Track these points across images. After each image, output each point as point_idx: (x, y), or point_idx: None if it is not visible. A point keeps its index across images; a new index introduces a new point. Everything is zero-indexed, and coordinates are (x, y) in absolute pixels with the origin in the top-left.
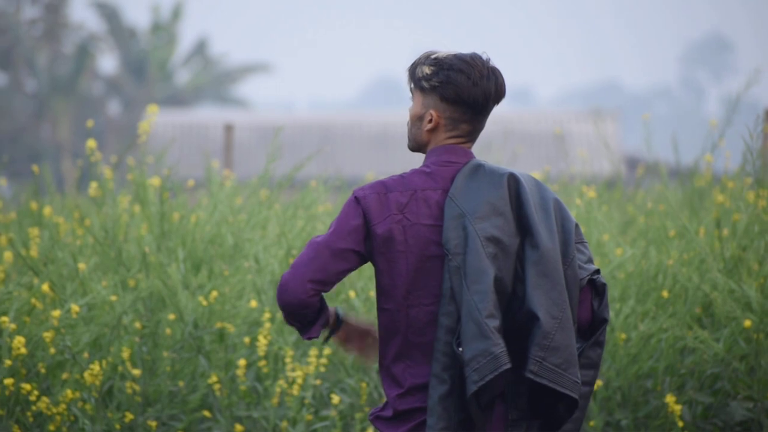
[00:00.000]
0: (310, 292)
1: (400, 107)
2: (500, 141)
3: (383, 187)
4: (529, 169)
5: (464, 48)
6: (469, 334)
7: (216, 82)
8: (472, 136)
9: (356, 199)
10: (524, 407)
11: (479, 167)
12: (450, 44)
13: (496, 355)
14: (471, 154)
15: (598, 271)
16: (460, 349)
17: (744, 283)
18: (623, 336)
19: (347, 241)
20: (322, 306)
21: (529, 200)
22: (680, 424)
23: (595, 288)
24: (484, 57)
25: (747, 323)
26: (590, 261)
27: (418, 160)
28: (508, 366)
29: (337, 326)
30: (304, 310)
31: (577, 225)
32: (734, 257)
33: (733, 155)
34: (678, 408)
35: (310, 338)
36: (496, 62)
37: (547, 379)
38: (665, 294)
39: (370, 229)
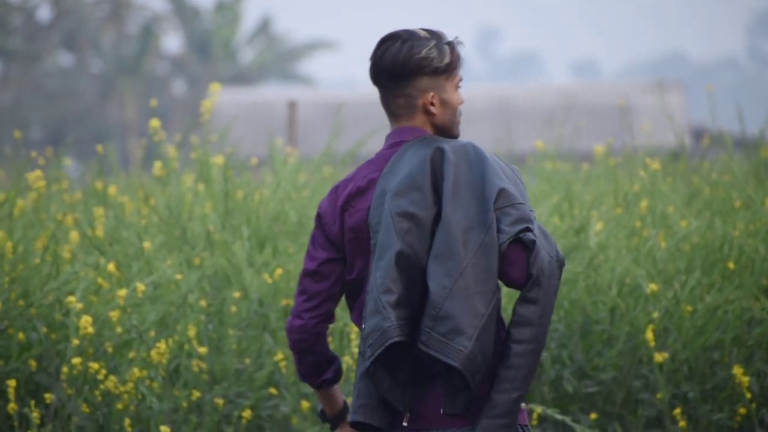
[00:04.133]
0: (311, 323)
1: (465, 83)
2: (564, 114)
3: (334, 189)
4: (593, 142)
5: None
6: (367, 311)
7: (280, 59)
8: (390, 112)
9: (317, 215)
10: (456, 380)
11: (417, 142)
12: (511, 20)
13: (384, 329)
14: (418, 131)
15: (526, 229)
16: (363, 326)
17: None
18: (689, 308)
19: (317, 254)
20: (334, 355)
21: (447, 174)
22: (748, 395)
23: (525, 245)
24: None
25: None
26: (519, 221)
27: (471, 134)
28: (396, 339)
29: (343, 414)
30: (315, 346)
31: (503, 189)
32: None
33: None
34: (746, 380)
35: (321, 384)
36: (559, 35)
37: (433, 349)
38: (731, 265)
39: (327, 234)
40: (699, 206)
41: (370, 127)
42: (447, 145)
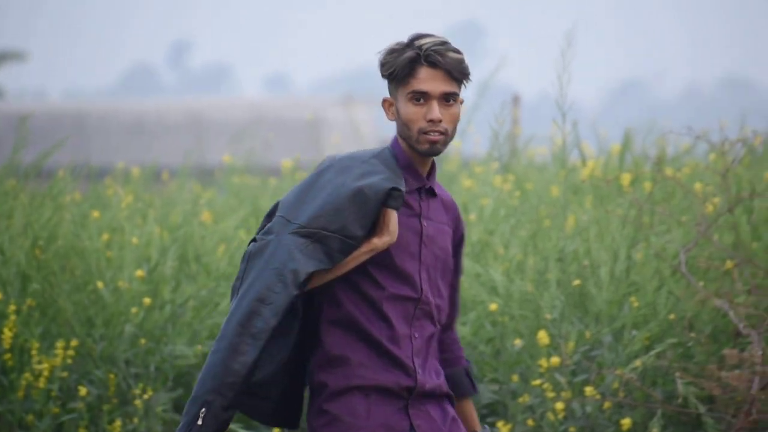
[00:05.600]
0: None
1: (156, 96)
2: (254, 128)
3: None
4: (284, 156)
5: (236, 37)
6: None
7: None
8: None
9: None
10: None
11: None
12: (203, 33)
13: None
14: (393, 140)
15: (253, 240)
16: None
17: (490, 267)
18: None
19: None
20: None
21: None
22: None
23: None
24: None
25: (493, 306)
26: (267, 232)
27: (173, 144)
28: None
29: None
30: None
31: (280, 201)
32: (481, 241)
33: (483, 140)
34: None
35: None
36: (251, 49)
37: None
38: None
39: None
40: None
41: (59, 138)
42: (335, 159)
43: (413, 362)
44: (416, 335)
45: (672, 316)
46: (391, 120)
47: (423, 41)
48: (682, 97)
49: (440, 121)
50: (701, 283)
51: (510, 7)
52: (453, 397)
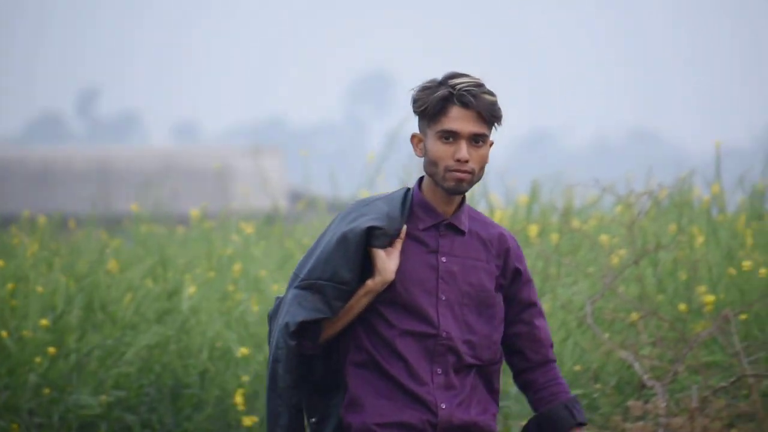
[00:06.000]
0: None
1: (64, 144)
2: (162, 177)
3: None
4: (192, 205)
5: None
6: None
7: None
8: None
9: None
10: None
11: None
12: (111, 80)
13: None
14: (422, 177)
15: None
16: None
17: None
18: None
19: None
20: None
21: None
22: None
23: None
24: None
25: None
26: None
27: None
28: None
29: None
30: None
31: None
32: None
33: (393, 189)
34: None
35: None
36: (160, 97)
37: None
38: None
39: None
40: (291, 269)
41: None
42: (346, 207)
43: (435, 397)
44: (438, 371)
45: (578, 367)
46: (419, 156)
47: (457, 80)
48: (591, 148)
49: (467, 161)
50: (607, 335)
51: (420, 58)
52: None
